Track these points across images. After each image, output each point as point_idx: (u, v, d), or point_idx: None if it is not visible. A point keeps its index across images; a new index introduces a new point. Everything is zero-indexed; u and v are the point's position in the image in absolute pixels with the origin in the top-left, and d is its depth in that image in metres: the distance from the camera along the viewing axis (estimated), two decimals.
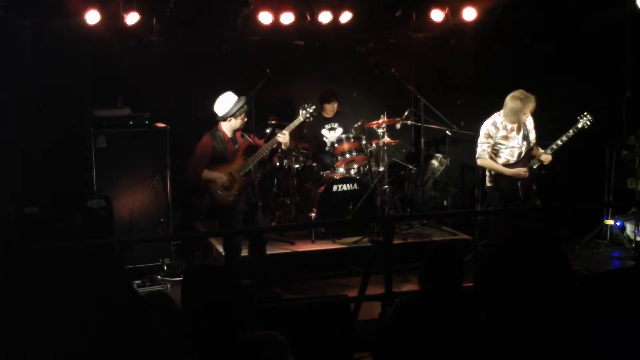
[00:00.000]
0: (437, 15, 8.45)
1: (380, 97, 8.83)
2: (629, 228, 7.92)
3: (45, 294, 1.73)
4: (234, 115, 6.17)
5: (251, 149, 6.38)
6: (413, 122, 8.56)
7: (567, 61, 8.65)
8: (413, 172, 8.72)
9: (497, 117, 6.57)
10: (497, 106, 6.64)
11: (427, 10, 8.48)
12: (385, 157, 7.92)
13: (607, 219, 8.07)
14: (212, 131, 6.28)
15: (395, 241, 6.25)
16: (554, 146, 6.51)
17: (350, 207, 7.52)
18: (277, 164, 7.73)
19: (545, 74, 8.55)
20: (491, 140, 6.56)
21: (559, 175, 8.21)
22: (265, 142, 6.58)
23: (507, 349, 1.83)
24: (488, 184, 6.73)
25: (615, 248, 7.90)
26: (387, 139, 7.86)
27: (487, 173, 6.74)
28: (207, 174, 6.16)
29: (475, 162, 6.92)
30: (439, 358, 2.97)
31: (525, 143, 6.58)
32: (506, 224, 6.60)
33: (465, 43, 8.83)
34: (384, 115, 7.92)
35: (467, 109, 8.91)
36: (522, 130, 6.57)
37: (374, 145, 7.95)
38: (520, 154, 6.58)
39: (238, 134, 6.34)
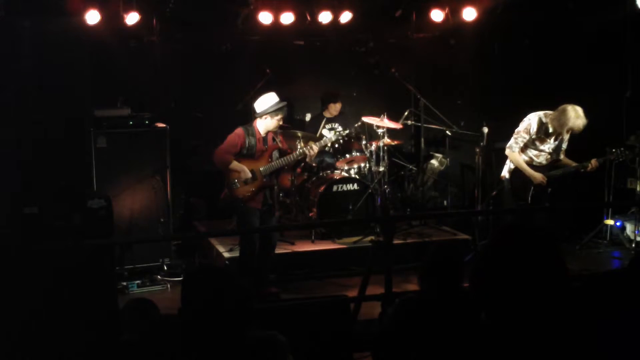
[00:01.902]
0: (437, 15, 8.45)
1: (380, 97, 8.83)
2: (629, 228, 7.93)
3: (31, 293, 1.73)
4: (269, 114, 6.24)
5: (278, 153, 6.44)
6: (413, 122, 8.56)
7: (567, 61, 8.64)
8: (413, 172, 8.72)
9: (544, 117, 6.52)
10: (497, 106, 6.63)
11: (427, 10, 8.48)
12: (385, 157, 7.92)
13: (607, 219, 8.06)
14: (246, 125, 6.35)
15: (395, 241, 6.25)
16: (585, 163, 6.57)
17: (350, 207, 7.52)
18: (299, 171, 7.77)
19: (545, 74, 8.54)
20: (527, 136, 6.56)
21: (560, 175, 8.19)
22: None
23: (506, 348, 1.83)
24: (505, 174, 6.78)
25: (615, 248, 7.90)
26: (387, 139, 7.85)
27: (507, 165, 6.79)
28: (235, 164, 6.23)
29: (474, 162, 6.93)
30: (439, 358, 2.96)
31: (554, 153, 6.62)
32: (503, 221, 6.62)
33: (465, 43, 8.82)
34: (384, 116, 7.92)
35: (467, 109, 8.90)
36: (558, 141, 6.58)
37: (374, 145, 7.94)
38: (545, 160, 6.64)
39: (270, 136, 6.39)
